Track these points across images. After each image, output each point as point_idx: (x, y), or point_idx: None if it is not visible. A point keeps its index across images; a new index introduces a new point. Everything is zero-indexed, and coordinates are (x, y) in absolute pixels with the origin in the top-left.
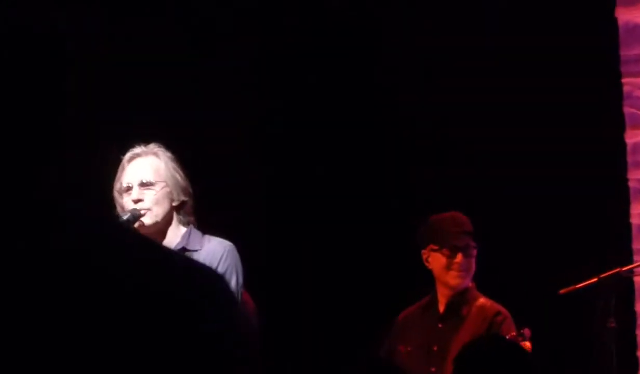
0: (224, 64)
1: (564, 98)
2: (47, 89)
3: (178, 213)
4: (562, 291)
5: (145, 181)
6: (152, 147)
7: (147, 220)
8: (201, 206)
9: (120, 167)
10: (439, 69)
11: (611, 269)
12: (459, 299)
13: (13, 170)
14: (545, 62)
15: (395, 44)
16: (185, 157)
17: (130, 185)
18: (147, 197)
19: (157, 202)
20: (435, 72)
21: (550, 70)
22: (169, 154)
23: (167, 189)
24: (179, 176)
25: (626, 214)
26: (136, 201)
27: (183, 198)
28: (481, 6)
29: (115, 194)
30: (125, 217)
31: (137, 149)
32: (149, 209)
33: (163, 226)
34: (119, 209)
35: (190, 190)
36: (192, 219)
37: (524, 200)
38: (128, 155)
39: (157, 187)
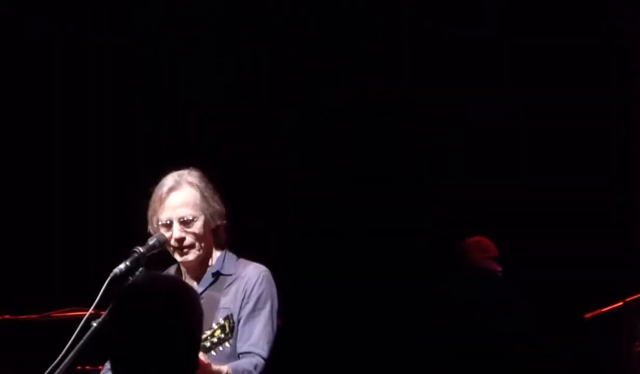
0: None
1: (591, 142)
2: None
3: (214, 236)
4: (588, 315)
5: (186, 218)
6: (186, 175)
7: (192, 256)
8: (235, 227)
9: (158, 197)
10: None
11: (637, 293)
12: None
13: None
14: (566, 106)
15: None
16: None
17: (169, 221)
18: (188, 235)
19: (198, 238)
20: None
21: (571, 113)
22: (203, 180)
23: (206, 219)
24: (215, 203)
25: None
26: (179, 240)
27: (219, 222)
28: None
29: (150, 215)
30: (151, 242)
31: (171, 180)
32: (192, 246)
33: (205, 254)
34: (150, 229)
35: (224, 211)
36: (227, 237)
37: (550, 225)
38: (165, 188)
39: (198, 223)
